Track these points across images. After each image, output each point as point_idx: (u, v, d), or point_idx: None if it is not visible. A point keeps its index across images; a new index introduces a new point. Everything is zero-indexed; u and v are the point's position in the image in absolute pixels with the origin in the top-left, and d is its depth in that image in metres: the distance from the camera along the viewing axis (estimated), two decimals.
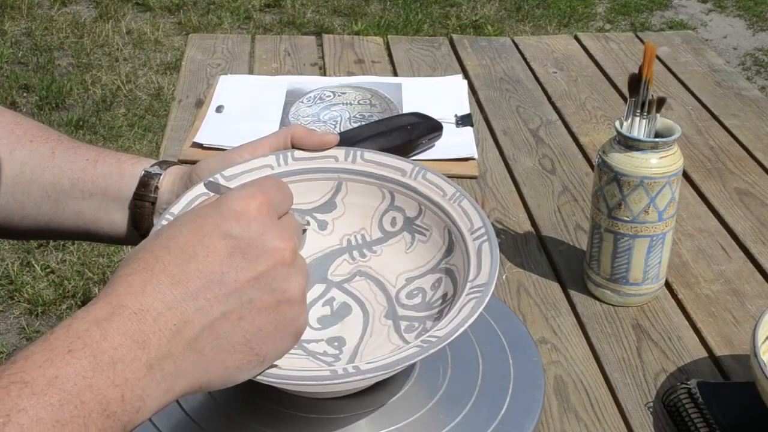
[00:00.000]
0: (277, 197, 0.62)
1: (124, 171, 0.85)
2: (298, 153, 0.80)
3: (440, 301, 0.74)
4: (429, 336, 0.65)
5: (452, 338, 0.64)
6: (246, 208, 0.59)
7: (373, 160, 0.80)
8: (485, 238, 0.72)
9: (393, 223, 0.79)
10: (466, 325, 0.65)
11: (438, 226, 0.76)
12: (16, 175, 0.86)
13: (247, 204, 0.59)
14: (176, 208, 0.74)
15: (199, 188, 0.75)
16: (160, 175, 0.84)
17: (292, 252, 0.59)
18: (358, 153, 0.80)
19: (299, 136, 0.80)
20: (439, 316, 0.71)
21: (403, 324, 0.74)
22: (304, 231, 0.75)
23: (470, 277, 0.70)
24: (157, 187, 0.84)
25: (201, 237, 0.58)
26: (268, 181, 0.64)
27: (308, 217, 0.78)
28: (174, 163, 0.86)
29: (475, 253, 0.71)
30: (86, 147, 0.88)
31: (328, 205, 0.80)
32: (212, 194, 0.71)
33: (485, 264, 0.70)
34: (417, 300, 0.75)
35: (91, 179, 0.85)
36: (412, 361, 0.63)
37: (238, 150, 0.80)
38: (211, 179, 0.74)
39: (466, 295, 0.68)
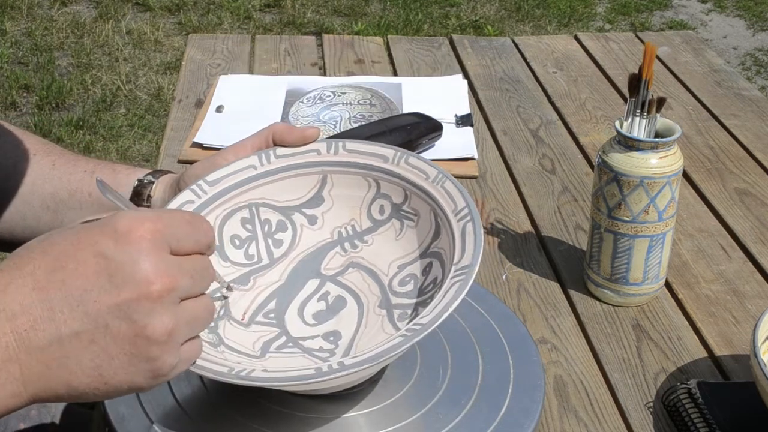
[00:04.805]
0: (179, 231, 0.58)
1: (119, 181, 0.87)
2: (280, 150, 0.80)
3: (431, 286, 0.73)
4: (413, 324, 0.64)
5: (436, 324, 0.63)
6: (127, 231, 0.56)
7: (355, 149, 0.80)
8: (469, 218, 0.71)
9: (381, 211, 0.79)
10: (450, 309, 0.64)
11: (424, 210, 0.76)
12: (18, 187, 0.87)
13: (130, 227, 0.56)
14: None
15: (185, 195, 0.76)
16: (153, 183, 0.85)
17: (163, 288, 0.56)
18: (340, 144, 0.80)
19: (280, 133, 0.80)
20: (430, 302, 0.71)
21: (397, 312, 0.74)
22: (225, 297, 0.74)
23: (455, 260, 0.69)
24: (150, 196, 0.85)
25: (76, 249, 0.56)
26: (182, 214, 0.61)
27: (232, 284, 0.75)
28: (168, 172, 0.87)
29: (460, 235, 0.71)
30: (85, 159, 0.90)
31: (316, 200, 0.80)
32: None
33: (469, 245, 0.69)
34: (409, 287, 0.75)
35: (88, 190, 0.87)
36: (397, 351, 0.62)
37: (223, 153, 0.80)
38: (102, 180, 0.71)
39: (451, 278, 0.67)
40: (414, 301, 0.74)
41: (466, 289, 0.65)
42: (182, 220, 0.59)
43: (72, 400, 0.57)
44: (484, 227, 1.13)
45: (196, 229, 0.60)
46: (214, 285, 0.72)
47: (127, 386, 0.57)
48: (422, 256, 0.76)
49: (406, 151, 0.78)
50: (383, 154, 0.79)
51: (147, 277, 0.55)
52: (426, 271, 0.75)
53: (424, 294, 0.73)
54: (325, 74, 1.57)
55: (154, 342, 0.56)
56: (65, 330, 0.55)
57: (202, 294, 0.60)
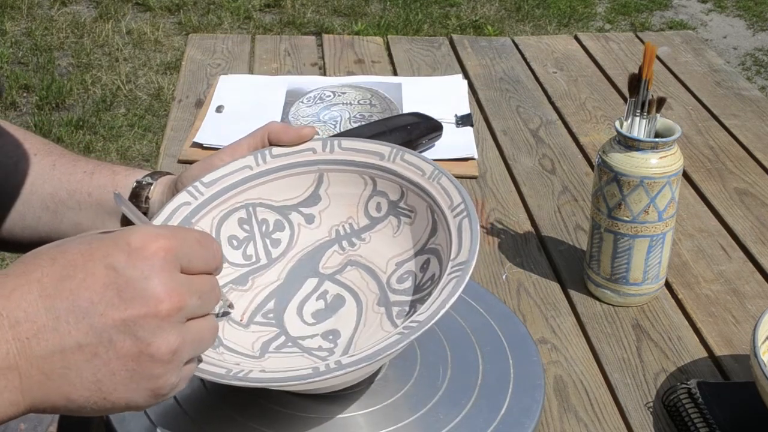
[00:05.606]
0: (191, 251, 0.58)
1: (118, 183, 0.87)
2: (275, 150, 0.80)
3: (429, 283, 0.73)
4: (410, 322, 0.64)
5: (433, 321, 0.63)
6: (140, 246, 0.55)
7: (350, 147, 0.80)
8: (465, 214, 0.71)
9: (378, 208, 0.79)
10: (447, 306, 0.64)
11: (421, 207, 0.76)
12: (19, 186, 0.88)
13: (144, 242, 0.56)
14: (158, 220, 0.74)
15: (182, 197, 0.76)
16: (151, 185, 0.85)
17: (172, 307, 0.55)
18: (335, 142, 0.80)
19: (276, 133, 0.80)
20: (428, 298, 0.71)
21: (395, 310, 0.74)
22: (226, 314, 0.73)
23: (452, 256, 0.69)
24: (148, 198, 0.85)
25: (86, 260, 0.55)
26: (193, 233, 0.60)
27: (232, 301, 0.75)
28: (167, 173, 0.87)
29: (456, 230, 0.71)
30: (85, 160, 0.90)
31: (313, 198, 0.80)
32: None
33: (465, 241, 0.69)
34: (407, 284, 0.75)
35: (87, 191, 0.87)
36: (394, 350, 0.62)
37: (219, 154, 0.80)
38: (119, 194, 0.71)
39: (448, 274, 0.67)
40: (412, 298, 0.74)
41: (463, 286, 0.65)
42: (194, 239, 0.59)
43: (69, 413, 0.56)
44: (484, 227, 1.13)
45: (206, 250, 0.60)
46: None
47: (125, 403, 0.56)
48: (420, 252, 0.76)
49: (402, 147, 0.78)
50: (379, 151, 0.79)
51: (157, 295, 0.55)
52: (424, 267, 0.75)
53: (422, 291, 0.73)
54: (325, 74, 1.57)
55: (158, 360, 0.55)
56: (69, 341, 0.54)
57: (208, 314, 0.60)
